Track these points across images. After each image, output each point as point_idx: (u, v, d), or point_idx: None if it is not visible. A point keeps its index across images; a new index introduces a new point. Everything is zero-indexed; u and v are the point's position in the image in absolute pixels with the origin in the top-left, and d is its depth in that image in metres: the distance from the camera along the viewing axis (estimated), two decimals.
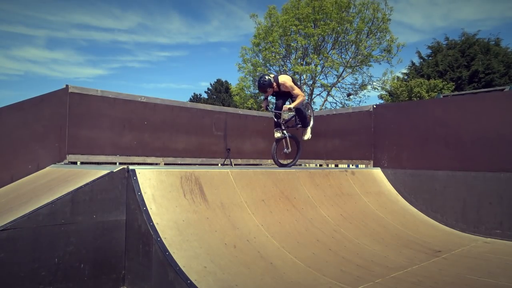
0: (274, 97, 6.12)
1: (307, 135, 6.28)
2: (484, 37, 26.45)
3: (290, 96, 5.91)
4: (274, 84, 5.71)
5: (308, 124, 6.23)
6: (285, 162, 6.82)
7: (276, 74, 6.11)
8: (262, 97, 6.02)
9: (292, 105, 5.75)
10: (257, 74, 24.61)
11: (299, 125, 6.19)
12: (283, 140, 6.02)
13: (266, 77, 5.70)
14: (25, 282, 3.24)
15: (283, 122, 5.97)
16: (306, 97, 25.24)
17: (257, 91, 25.65)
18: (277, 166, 6.20)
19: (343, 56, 24.15)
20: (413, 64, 28.93)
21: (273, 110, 6.00)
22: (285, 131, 5.96)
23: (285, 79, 5.73)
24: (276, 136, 5.98)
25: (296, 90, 5.76)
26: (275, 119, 5.95)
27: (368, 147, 7.54)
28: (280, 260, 3.87)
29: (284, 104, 5.92)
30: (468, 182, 6.07)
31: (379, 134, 7.39)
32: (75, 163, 5.77)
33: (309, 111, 6.52)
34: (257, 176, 5.09)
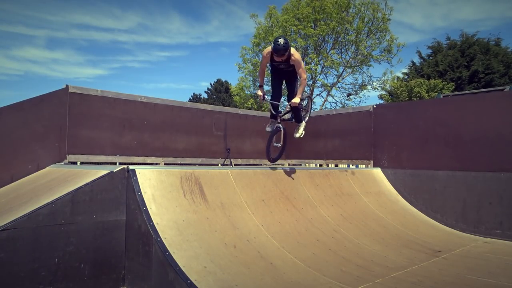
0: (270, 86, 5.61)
1: (300, 132, 5.75)
2: (484, 37, 26.48)
3: (289, 78, 5.39)
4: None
5: (303, 119, 5.77)
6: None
7: None
8: (257, 87, 5.57)
9: (299, 96, 5.18)
10: (257, 74, 24.57)
11: (293, 120, 5.69)
12: (278, 133, 5.54)
13: (283, 39, 4.93)
14: (25, 282, 3.24)
15: (280, 115, 5.50)
16: (306, 100, 25.25)
17: (256, 90, 25.65)
18: (276, 166, 6.16)
19: (343, 56, 24.17)
20: (413, 64, 28.96)
21: (270, 100, 5.46)
22: (280, 124, 5.50)
23: (295, 51, 5.11)
24: (267, 130, 5.53)
25: (303, 67, 5.21)
26: (272, 111, 5.51)
27: (368, 147, 7.54)
28: (280, 260, 3.87)
29: (280, 94, 5.46)
30: (468, 182, 6.07)
31: (379, 134, 7.39)
32: (75, 163, 5.76)
33: (308, 105, 6.14)
34: (257, 176, 5.09)
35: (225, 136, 7.87)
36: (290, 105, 5.22)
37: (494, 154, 5.85)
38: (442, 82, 23.67)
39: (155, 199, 3.85)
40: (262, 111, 22.63)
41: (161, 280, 3.41)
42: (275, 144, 5.62)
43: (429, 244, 5.08)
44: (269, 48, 5.13)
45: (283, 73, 5.38)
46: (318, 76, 24.46)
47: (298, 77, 5.36)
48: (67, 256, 3.50)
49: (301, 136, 5.82)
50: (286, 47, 4.91)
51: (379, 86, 25.53)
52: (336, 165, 8.27)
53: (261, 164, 8.54)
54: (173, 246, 3.45)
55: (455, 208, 6.15)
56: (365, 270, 3.91)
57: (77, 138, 5.77)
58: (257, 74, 24.67)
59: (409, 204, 6.64)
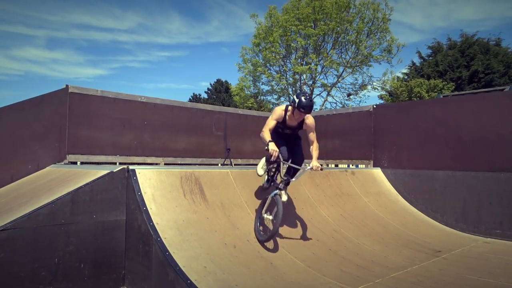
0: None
1: (287, 196, 4.39)
2: (484, 37, 26.46)
3: (293, 141, 4.54)
4: None
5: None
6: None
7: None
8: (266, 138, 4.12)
9: (316, 159, 4.35)
10: (257, 74, 24.56)
11: (289, 181, 4.31)
12: (274, 201, 4.19)
13: (308, 95, 4.18)
14: (25, 282, 3.24)
15: (292, 179, 4.30)
16: None
17: (256, 90, 25.68)
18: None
19: (343, 56, 24.18)
20: (413, 64, 28.94)
21: (290, 162, 4.26)
22: (284, 192, 4.28)
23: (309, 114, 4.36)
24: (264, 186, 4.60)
25: (315, 134, 4.50)
26: (283, 178, 4.29)
27: (368, 147, 7.54)
28: (280, 260, 3.87)
29: (290, 155, 4.34)
30: (468, 182, 6.07)
31: (379, 134, 7.38)
32: (75, 163, 5.76)
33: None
34: (257, 176, 5.08)
35: (225, 136, 7.87)
36: (311, 169, 4.22)
37: (494, 154, 5.84)
38: (442, 82, 23.66)
39: (155, 199, 3.85)
40: (262, 111, 22.66)
41: (161, 280, 3.40)
42: (267, 216, 4.21)
43: (429, 244, 5.07)
44: (282, 106, 4.36)
45: (286, 137, 4.50)
46: (318, 76, 24.49)
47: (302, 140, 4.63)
48: (67, 256, 3.50)
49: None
50: (313, 104, 4.17)
51: (379, 86, 25.52)
52: (336, 165, 8.27)
53: None
54: (173, 246, 3.45)
55: (455, 208, 6.15)
56: (365, 270, 3.91)
57: (77, 138, 5.77)
58: (257, 74, 24.64)
59: (409, 204, 6.64)
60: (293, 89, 24.93)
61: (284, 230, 4.48)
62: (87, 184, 3.74)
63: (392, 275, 3.79)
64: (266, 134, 4.20)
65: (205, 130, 7.55)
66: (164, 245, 3.43)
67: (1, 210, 3.82)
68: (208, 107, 7.99)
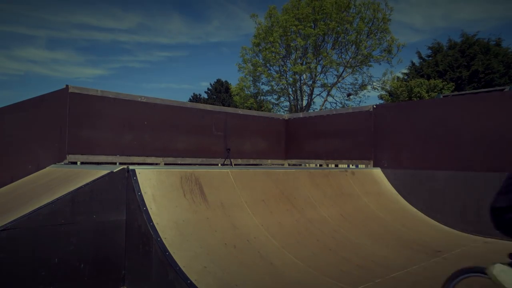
0: None
1: None
2: (484, 37, 26.46)
3: None
4: None
5: None
6: None
7: None
8: None
9: None
10: (257, 74, 24.57)
11: None
12: None
13: None
14: (25, 282, 3.23)
15: None
16: (306, 100, 25.24)
17: (256, 90, 25.71)
18: (276, 166, 6.13)
19: (343, 56, 24.20)
20: (413, 64, 28.94)
21: None
22: None
23: None
24: None
25: None
26: None
27: (368, 147, 7.54)
28: (280, 260, 3.87)
29: None
30: (468, 182, 6.07)
31: (379, 134, 7.39)
32: (75, 163, 5.77)
33: None
34: (257, 176, 5.09)
35: (225, 136, 7.87)
36: None
37: (494, 154, 5.84)
38: (442, 82, 23.68)
39: (155, 199, 3.85)
40: (262, 111, 22.65)
41: (161, 280, 3.41)
42: None
43: (429, 244, 5.08)
44: None
45: None
46: (318, 75, 24.50)
47: None
48: (67, 256, 3.49)
49: None
50: None
51: (379, 86, 25.55)
52: (336, 165, 8.27)
53: (261, 164, 8.54)
54: (173, 246, 3.45)
55: (455, 208, 6.15)
56: (365, 270, 3.91)
57: (77, 138, 5.77)
58: (257, 74, 24.62)
59: (409, 204, 6.63)
60: (293, 89, 24.93)
61: (284, 230, 4.48)
62: (87, 184, 3.74)
63: (392, 275, 3.79)
64: None
65: (205, 130, 7.55)
66: (164, 245, 3.43)
67: (1, 210, 3.82)
68: (208, 107, 7.99)
